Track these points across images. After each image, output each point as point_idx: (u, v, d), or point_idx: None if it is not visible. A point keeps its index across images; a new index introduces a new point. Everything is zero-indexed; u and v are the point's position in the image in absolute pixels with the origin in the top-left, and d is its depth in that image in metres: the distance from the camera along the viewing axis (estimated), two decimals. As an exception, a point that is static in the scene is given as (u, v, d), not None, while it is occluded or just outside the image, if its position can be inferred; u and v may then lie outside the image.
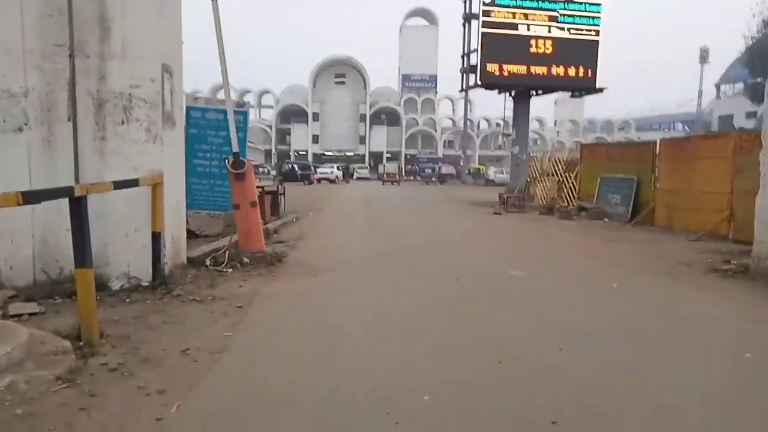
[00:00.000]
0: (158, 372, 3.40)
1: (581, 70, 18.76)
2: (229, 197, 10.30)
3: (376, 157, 70.47)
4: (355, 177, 50.27)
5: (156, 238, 5.48)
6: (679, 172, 11.70)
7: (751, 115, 58.52)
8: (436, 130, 73.40)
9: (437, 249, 9.14)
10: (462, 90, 19.24)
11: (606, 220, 13.54)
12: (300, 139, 71.04)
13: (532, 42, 18.22)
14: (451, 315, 4.97)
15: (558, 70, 18.57)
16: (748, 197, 9.78)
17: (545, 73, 18.54)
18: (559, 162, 16.83)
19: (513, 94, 19.69)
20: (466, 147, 49.75)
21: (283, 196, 13.24)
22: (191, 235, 7.94)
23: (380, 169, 59.78)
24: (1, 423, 2.69)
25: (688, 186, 11.29)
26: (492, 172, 43.66)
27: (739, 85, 69.08)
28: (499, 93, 20.00)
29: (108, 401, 2.96)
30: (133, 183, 4.85)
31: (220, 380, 3.32)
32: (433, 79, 75.71)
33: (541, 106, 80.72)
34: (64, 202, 5.69)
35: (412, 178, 49.37)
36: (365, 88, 72.03)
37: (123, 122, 5.49)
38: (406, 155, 70.61)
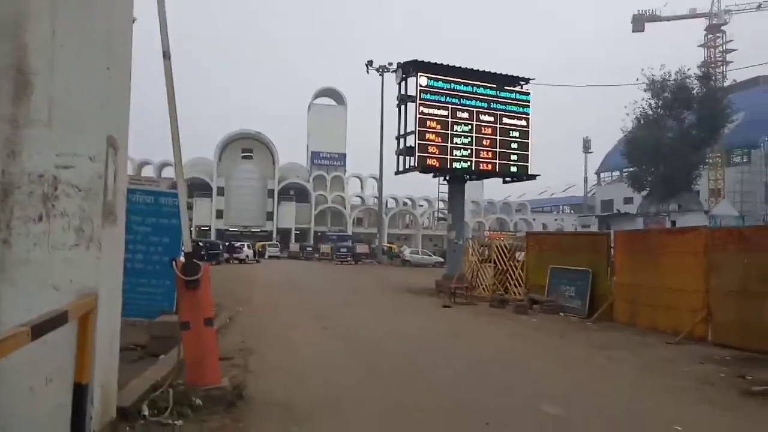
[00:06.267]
0: None
1: (515, 156, 18.93)
2: (155, 299, 8.33)
3: (284, 233, 68.06)
4: (267, 256, 47.47)
5: (80, 392, 3.56)
6: (641, 265, 11.36)
7: (628, 200, 64.80)
8: (345, 208, 73.02)
9: (428, 363, 7.58)
10: (398, 173, 18.52)
11: (562, 314, 12.88)
12: (203, 214, 67.08)
13: (468, 127, 18.17)
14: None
15: (494, 156, 18.58)
16: (726, 297, 9.53)
17: (482, 158, 18.43)
18: (503, 249, 16.25)
19: (448, 178, 19.35)
20: (380, 226, 49.33)
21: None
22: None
23: (290, 246, 57.48)
24: None
25: (653, 281, 10.90)
26: (408, 252, 43.19)
27: (616, 174, 77.18)
28: (434, 177, 19.58)
29: None
30: (57, 321, 3.01)
31: None
32: (342, 157, 76.32)
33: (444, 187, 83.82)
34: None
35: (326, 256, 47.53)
36: (274, 164, 70.62)
37: (41, 218, 3.67)
38: (315, 232, 68.96)
